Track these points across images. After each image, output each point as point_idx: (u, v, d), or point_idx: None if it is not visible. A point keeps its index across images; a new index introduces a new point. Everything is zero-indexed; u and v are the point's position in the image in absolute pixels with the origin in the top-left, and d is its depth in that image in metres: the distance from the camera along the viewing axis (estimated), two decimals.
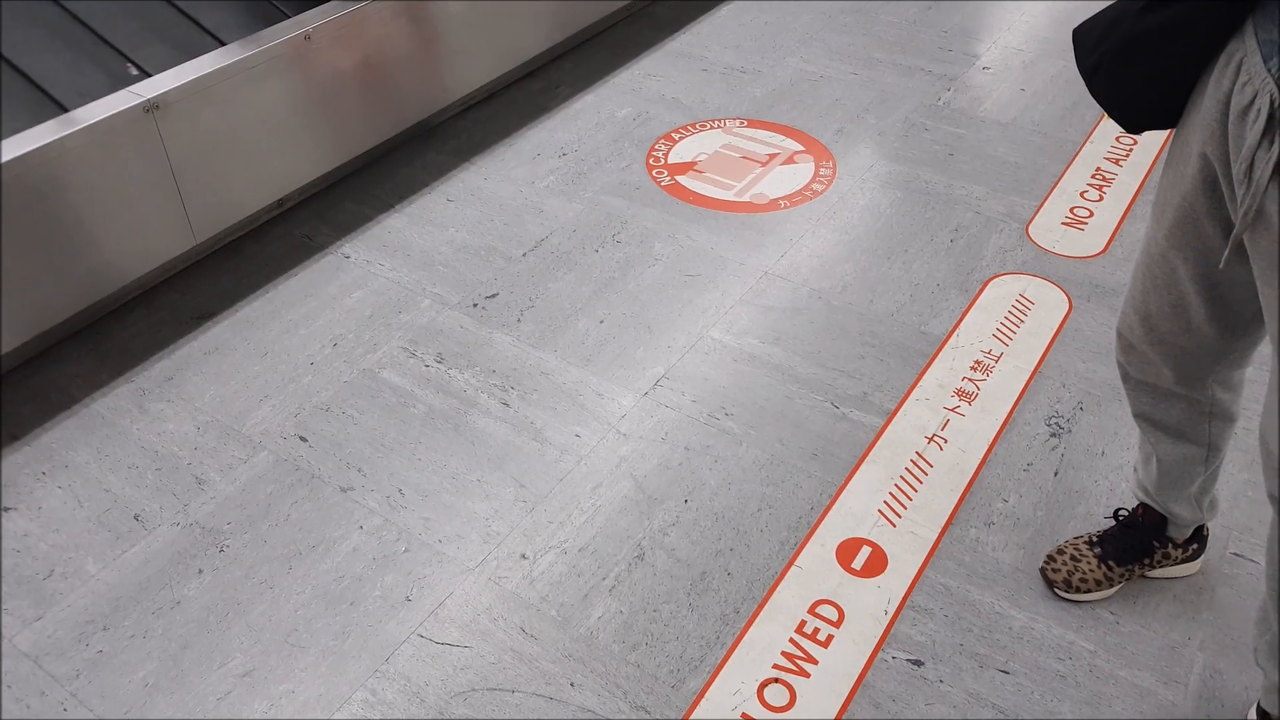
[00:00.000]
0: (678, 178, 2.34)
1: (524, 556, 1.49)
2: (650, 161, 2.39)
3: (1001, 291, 1.98)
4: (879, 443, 1.67)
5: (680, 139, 2.48)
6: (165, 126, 1.78)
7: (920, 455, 1.64)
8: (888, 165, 2.37)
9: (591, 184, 2.31)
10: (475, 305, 1.97)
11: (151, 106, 1.73)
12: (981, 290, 1.99)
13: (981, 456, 1.63)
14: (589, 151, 2.42)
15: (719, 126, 2.53)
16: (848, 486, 1.59)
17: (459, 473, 1.63)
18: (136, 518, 1.55)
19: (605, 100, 2.62)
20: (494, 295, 2.00)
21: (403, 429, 1.71)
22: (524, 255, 2.10)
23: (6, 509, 1.55)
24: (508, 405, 1.75)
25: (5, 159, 1.57)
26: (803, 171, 2.36)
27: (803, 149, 2.44)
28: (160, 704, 1.31)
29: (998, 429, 1.68)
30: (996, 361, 1.82)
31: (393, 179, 2.30)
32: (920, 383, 1.78)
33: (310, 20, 1.98)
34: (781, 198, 2.28)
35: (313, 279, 2.02)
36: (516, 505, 1.58)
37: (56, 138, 1.63)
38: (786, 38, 2.91)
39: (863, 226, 2.18)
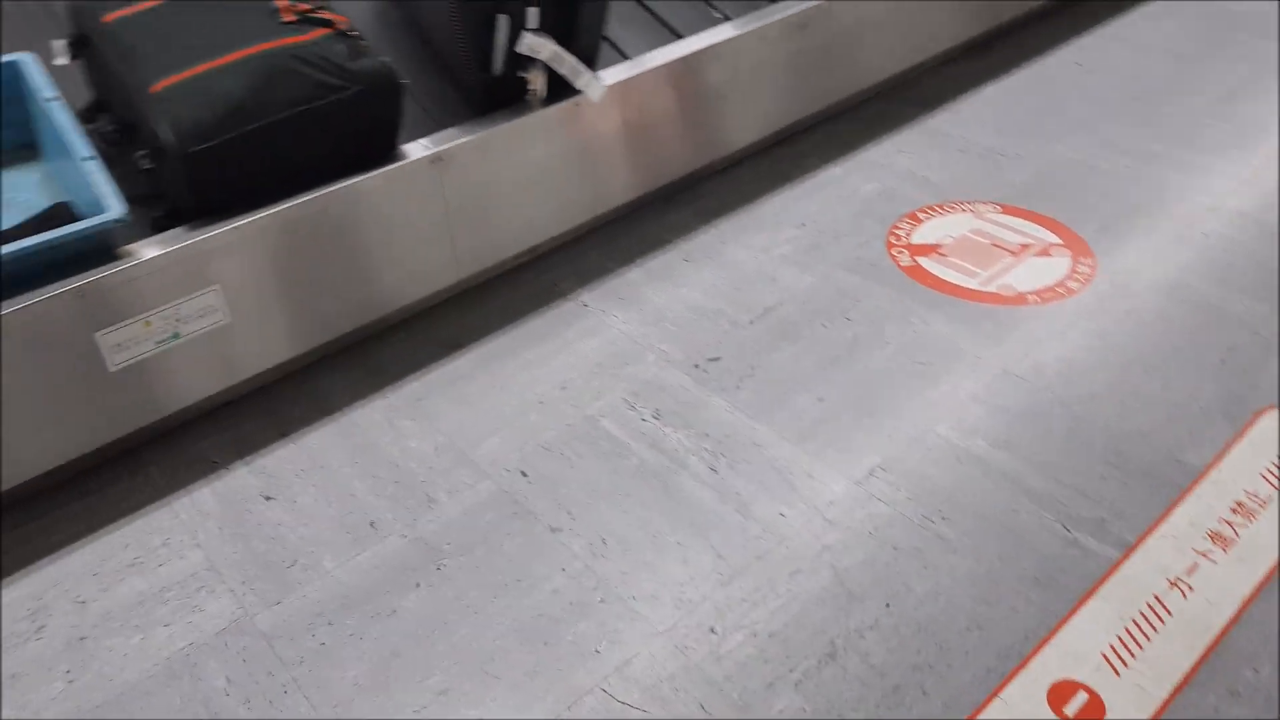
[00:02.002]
0: (919, 259, 2.27)
1: (713, 630, 1.49)
2: (891, 240, 2.34)
3: (1276, 426, 1.76)
4: (1113, 577, 1.52)
5: (926, 219, 2.41)
6: (446, 175, 1.95)
7: (1159, 599, 1.48)
8: (1155, 269, 2.18)
9: (828, 257, 2.29)
10: (697, 366, 2.00)
11: (436, 158, 1.91)
12: (1252, 422, 1.77)
13: (1232, 613, 1.45)
14: (829, 224, 2.40)
15: (970, 210, 2.44)
16: (1070, 620, 1.46)
17: (661, 532, 1.66)
18: (372, 524, 1.69)
19: (852, 173, 2.59)
20: (717, 359, 2.02)
21: (614, 479, 1.76)
22: (751, 322, 2.11)
23: (268, 498, 1.74)
24: (716, 472, 1.76)
25: (321, 193, 1.79)
26: (1058, 266, 2.22)
27: (1060, 242, 2.30)
28: (364, 705, 1.42)
29: (1256, 584, 1.49)
30: (1263, 506, 1.61)
31: (637, 234, 2.38)
32: (1169, 517, 1.61)
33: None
34: (1031, 292, 2.15)
35: (553, 323, 2.13)
36: (713, 575, 1.57)
37: (359, 180, 1.83)
38: (1055, 123, 2.76)
39: (1120, 334, 2.01)
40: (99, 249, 1.64)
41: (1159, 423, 1.79)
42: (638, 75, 2.18)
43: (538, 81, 2.03)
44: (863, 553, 1.59)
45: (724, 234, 2.38)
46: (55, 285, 1.58)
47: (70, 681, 1.46)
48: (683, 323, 2.12)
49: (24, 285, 1.57)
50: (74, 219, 1.62)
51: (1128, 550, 1.56)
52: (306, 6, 1.81)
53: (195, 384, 1.82)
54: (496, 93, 2.04)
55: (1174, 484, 1.67)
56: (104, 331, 1.65)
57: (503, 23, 1.90)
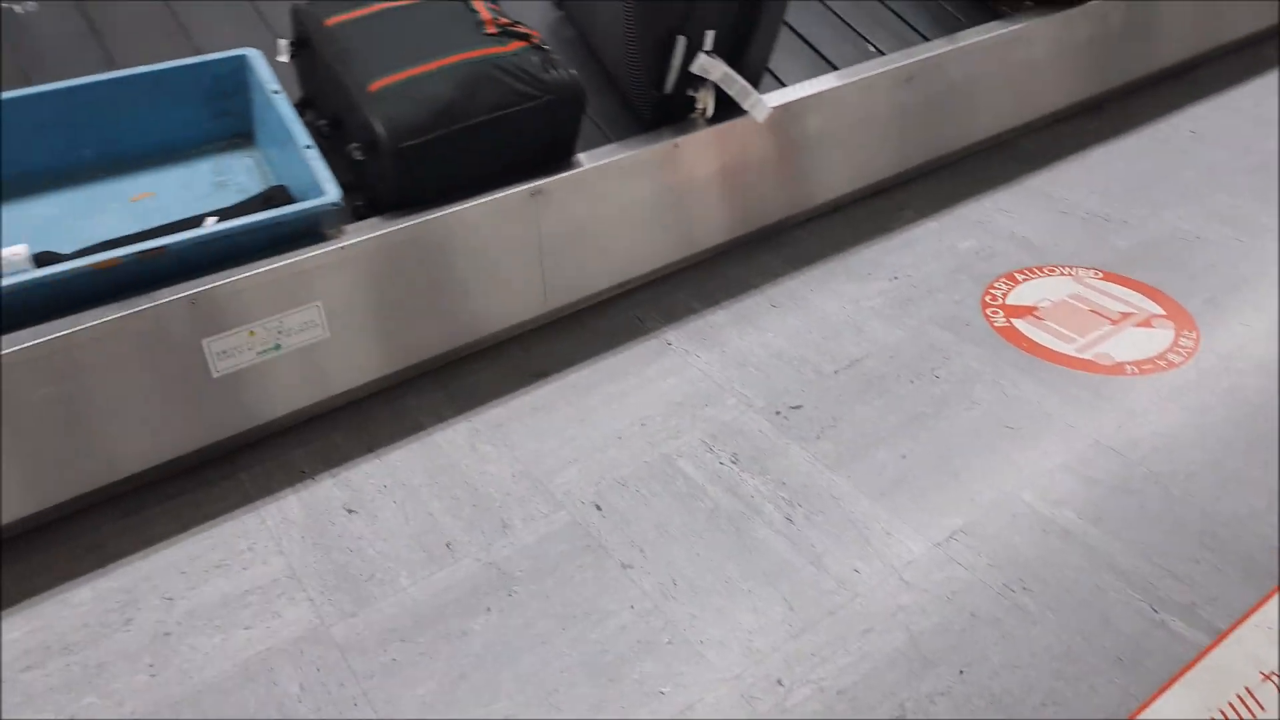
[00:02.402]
0: (1014, 320, 2.24)
1: (780, 683, 1.48)
2: (986, 299, 2.32)
3: None
4: (1200, 664, 1.47)
5: (1024, 280, 2.38)
6: (543, 209, 2.01)
7: (1250, 693, 1.42)
8: (1263, 347, 2.11)
9: (919, 312, 2.28)
10: (778, 413, 2.01)
11: (536, 191, 1.98)
12: None
13: None
14: (923, 279, 2.39)
15: (1069, 274, 2.40)
16: (1153, 705, 1.42)
17: (732, 578, 1.66)
18: (448, 545, 1.74)
19: (949, 229, 2.58)
20: (798, 407, 2.02)
21: (688, 520, 1.77)
22: (835, 372, 2.11)
23: (350, 511, 1.81)
24: (791, 521, 1.76)
25: (424, 219, 1.87)
26: (1159, 338, 2.17)
27: (1163, 313, 2.25)
28: None
29: None
30: None
31: (725, 276, 2.41)
32: (1264, 607, 1.55)
33: (681, 132, 2.16)
34: (1129, 362, 2.10)
35: (635, 358, 2.17)
36: (782, 626, 1.57)
37: (459, 208, 1.90)
38: (1164, 189, 2.71)
39: (1222, 412, 1.95)
40: (312, 230, 1.81)
41: (1258, 507, 1.73)
42: (738, 121, 2.22)
43: (706, 100, 2.15)
44: (938, 617, 1.57)
45: (813, 282, 2.39)
46: (171, 291, 1.68)
47: (153, 675, 1.53)
48: (766, 368, 2.13)
49: (246, 258, 1.74)
50: (290, 201, 1.80)
51: (1218, 638, 1.51)
52: (507, 20, 1.98)
53: (290, 395, 1.91)
54: (664, 110, 2.18)
55: (1271, 572, 1.61)
56: (211, 338, 1.74)
57: (680, 44, 2.03)
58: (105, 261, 1.60)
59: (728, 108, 2.19)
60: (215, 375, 1.78)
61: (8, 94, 1.83)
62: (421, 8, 2.01)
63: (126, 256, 1.61)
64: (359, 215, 1.89)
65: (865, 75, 2.41)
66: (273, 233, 1.75)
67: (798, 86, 2.35)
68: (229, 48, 2.03)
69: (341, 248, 1.80)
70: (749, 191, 2.38)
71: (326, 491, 1.84)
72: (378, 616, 1.61)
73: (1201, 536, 1.69)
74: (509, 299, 2.11)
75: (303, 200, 1.78)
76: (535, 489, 1.85)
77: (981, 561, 1.66)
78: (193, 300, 1.69)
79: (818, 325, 2.25)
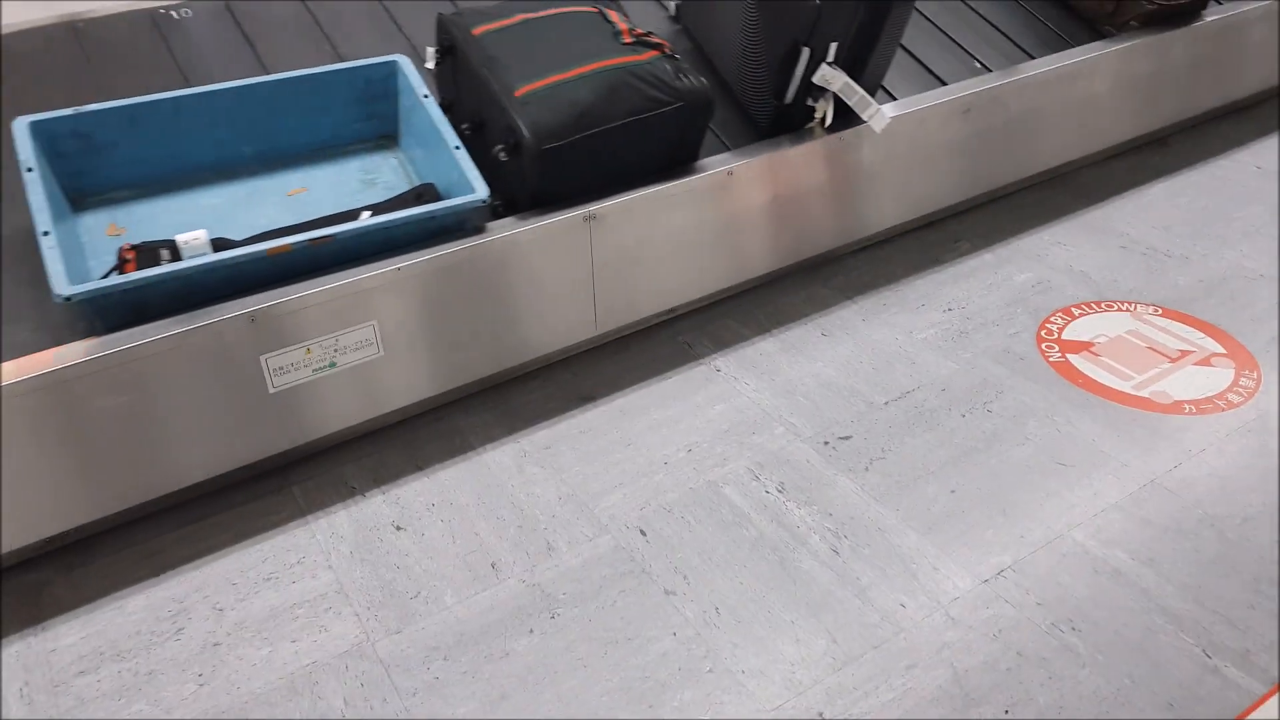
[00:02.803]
0: (1070, 356, 2.23)
1: (821, 716, 1.49)
2: (1042, 334, 2.31)
3: None
4: (1254, 713, 1.45)
5: (1080, 315, 2.37)
6: (596, 233, 2.06)
7: None
8: None
9: (973, 345, 2.28)
10: (826, 443, 2.02)
11: (589, 216, 2.03)
12: None
13: None
14: (977, 311, 2.39)
15: (1128, 310, 2.38)
16: None
17: (775, 608, 1.67)
18: (493, 565, 1.78)
19: (1005, 262, 2.58)
20: (847, 437, 2.03)
21: (732, 548, 1.79)
22: (886, 404, 2.12)
23: (398, 528, 1.86)
24: (837, 553, 1.77)
25: (479, 243, 1.93)
26: (1219, 377, 2.14)
27: (1223, 352, 2.22)
28: None
29: None
30: None
31: (774, 304, 2.44)
32: None
33: (735, 159, 2.19)
34: (1187, 401, 2.08)
35: (683, 384, 2.20)
36: (825, 659, 1.58)
37: (514, 231, 1.96)
38: (1226, 226, 2.68)
39: None
40: (460, 225, 1.94)
41: None
42: (790, 150, 2.25)
43: (825, 110, 2.25)
44: (984, 654, 1.57)
45: (865, 312, 2.41)
46: (232, 308, 1.75)
47: (201, 685, 1.58)
48: (815, 397, 2.14)
49: (400, 249, 1.88)
50: (438, 198, 1.95)
51: (1274, 687, 1.48)
52: (641, 31, 2.13)
53: (343, 412, 1.97)
54: (782, 119, 2.28)
55: None
56: (270, 354, 1.81)
57: (804, 55, 2.13)
58: (278, 248, 1.74)
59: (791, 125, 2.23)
60: (272, 391, 1.84)
61: (184, 92, 1.98)
62: (561, 19, 2.15)
63: (297, 243, 1.75)
64: (495, 214, 2.01)
65: (922, 106, 2.43)
66: (425, 226, 1.90)
67: (853, 119, 2.38)
68: (366, 53, 2.19)
69: (398, 269, 1.86)
70: (801, 220, 2.41)
71: (375, 508, 1.89)
72: (422, 634, 1.65)
73: (1257, 581, 1.66)
74: (560, 322, 2.16)
75: (449, 198, 1.93)
76: (581, 512, 1.88)
77: (1030, 600, 1.66)
78: (253, 317, 1.76)
79: (869, 355, 2.26)
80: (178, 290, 1.73)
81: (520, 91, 1.96)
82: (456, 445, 2.04)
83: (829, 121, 2.27)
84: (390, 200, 1.98)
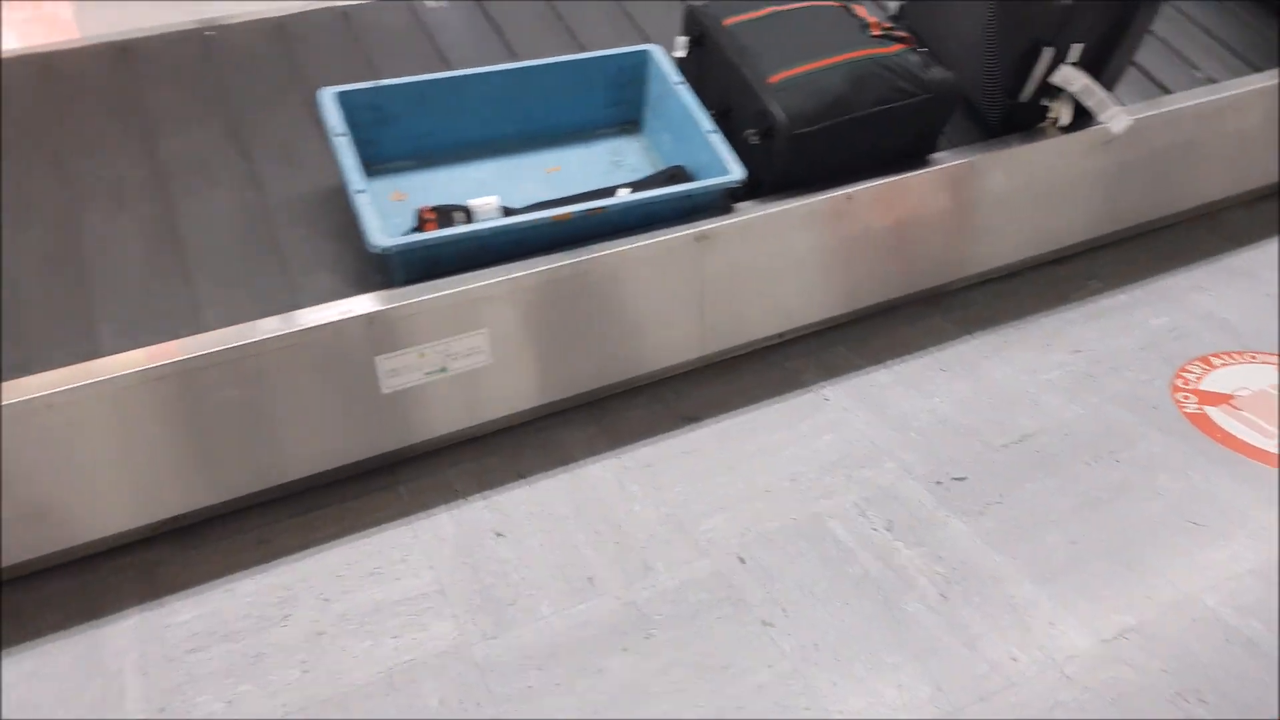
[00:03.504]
0: (1207, 408, 2.15)
1: None
2: (1178, 383, 2.23)
3: None
4: None
5: (1221, 365, 2.28)
6: (707, 253, 2.09)
7: None
8: None
9: (1101, 389, 2.22)
10: (939, 483, 2.00)
11: (701, 236, 2.06)
12: None
13: None
14: (1107, 354, 2.33)
15: (1273, 362, 2.28)
16: None
17: (877, 650, 1.66)
18: (590, 580, 1.81)
19: (1140, 304, 2.50)
20: (962, 478, 2.00)
21: (834, 584, 1.78)
22: (1005, 446, 2.08)
23: (499, 534, 1.91)
24: (946, 598, 1.75)
25: (592, 257, 1.98)
26: None
27: None
28: None
29: None
30: None
31: (890, 335, 2.42)
32: None
33: (857, 185, 2.19)
34: None
35: (790, 411, 2.20)
36: (928, 708, 1.56)
37: (629, 246, 2.00)
38: None
39: None
40: (712, 204, 2.09)
41: None
42: (913, 177, 2.24)
43: (1062, 111, 2.30)
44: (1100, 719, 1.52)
45: (986, 348, 2.37)
46: (350, 307, 1.84)
47: (304, 672, 1.66)
48: (929, 434, 2.12)
49: (656, 225, 2.04)
50: (688, 179, 2.13)
51: None
52: (889, 25, 2.26)
53: (450, 416, 2.04)
54: (1013, 118, 2.35)
55: None
56: (384, 356, 1.89)
57: (1046, 55, 2.20)
58: (561, 215, 1.93)
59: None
60: (384, 391, 1.92)
61: (464, 72, 2.19)
62: (809, 11, 2.29)
63: (576, 213, 1.94)
64: (736, 198, 2.13)
65: (1058, 137, 2.39)
66: (682, 204, 2.06)
67: (978, 147, 2.35)
68: (602, 45, 2.41)
69: (513, 279, 1.92)
70: (921, 248, 2.39)
71: (477, 513, 1.95)
72: (517, 642, 1.70)
73: None
74: (667, 340, 2.19)
75: (697, 179, 2.11)
76: (680, 533, 1.90)
77: (1154, 665, 1.60)
78: (370, 319, 1.84)
79: (989, 394, 2.23)
80: (469, 249, 1.92)
81: (774, 79, 2.10)
82: (558, 457, 2.09)
83: (1064, 122, 2.32)
84: (645, 179, 2.18)
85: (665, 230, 2.04)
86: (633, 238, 2.02)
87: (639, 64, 2.30)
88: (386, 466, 2.05)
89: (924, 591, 1.76)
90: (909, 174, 2.23)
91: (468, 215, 2.01)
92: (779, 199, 2.14)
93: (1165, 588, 1.74)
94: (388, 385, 1.93)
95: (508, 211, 2.03)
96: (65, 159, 2.10)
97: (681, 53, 2.35)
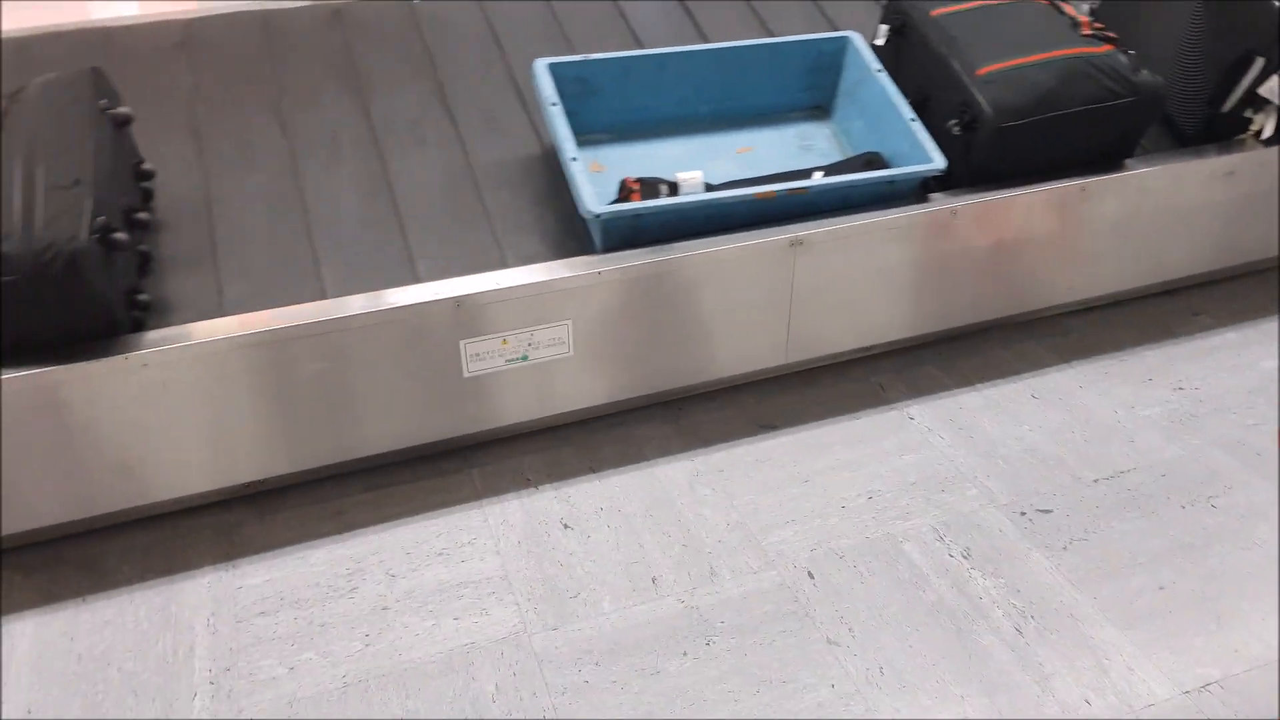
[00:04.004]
0: None
1: None
2: None
3: None
4: None
5: None
6: (801, 259, 2.08)
7: None
8: None
9: (1203, 430, 2.14)
10: (1023, 514, 1.95)
11: (796, 242, 2.05)
12: None
13: None
14: (1212, 394, 2.25)
15: None
16: None
17: (945, 679, 1.63)
18: (654, 580, 1.82)
19: (1252, 343, 2.41)
20: (1048, 511, 1.96)
21: (906, 608, 1.76)
22: (1095, 481, 2.03)
23: (566, 526, 1.93)
24: (1020, 633, 1.71)
25: (681, 256, 2.00)
26: None
27: None
28: None
29: None
30: None
31: (981, 357, 2.37)
32: None
33: (962, 199, 2.16)
34: None
35: (872, 427, 2.18)
36: None
37: (721, 248, 2.01)
38: None
39: None
40: (907, 192, 2.15)
41: None
42: (1020, 196, 2.19)
43: (1265, 123, 2.31)
44: None
45: (1083, 378, 2.30)
46: (436, 290, 1.88)
47: (367, 644, 1.71)
48: (1016, 463, 2.07)
49: (851, 209, 2.10)
50: (883, 166, 2.19)
51: None
52: (1100, 25, 2.30)
53: (527, 404, 2.07)
54: (1213, 128, 2.37)
55: None
56: (468, 340, 1.93)
57: (1257, 64, 2.22)
58: (764, 193, 2.01)
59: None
60: (466, 375, 1.97)
61: (668, 50, 2.30)
62: (1018, 7, 2.33)
63: (780, 191, 2.01)
64: (927, 189, 2.19)
65: (1178, 164, 2.31)
66: (883, 189, 2.12)
67: (1094, 171, 2.29)
68: (787, 31, 2.56)
69: (600, 273, 1.95)
70: (1021, 271, 2.34)
71: (547, 503, 1.98)
72: (577, 635, 1.72)
73: None
74: (750, 345, 2.19)
75: (893, 166, 2.18)
76: (748, 542, 1.90)
77: None
78: (458, 302, 1.89)
79: (1082, 426, 2.17)
80: (671, 221, 2.01)
81: (982, 71, 2.15)
82: (631, 454, 2.10)
83: (1267, 134, 2.32)
84: (840, 164, 2.24)
85: (760, 233, 2.04)
86: (725, 239, 2.03)
87: (837, 50, 2.38)
88: (461, 449, 2.10)
89: (998, 624, 1.72)
90: (1016, 191, 2.19)
91: (671, 188, 2.08)
92: (881, 210, 2.12)
93: (1255, 643, 1.67)
94: (470, 369, 1.97)
95: (709, 188, 2.10)
96: (285, 111, 2.30)
97: (881, 40, 2.42)
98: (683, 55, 2.29)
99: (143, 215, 1.85)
